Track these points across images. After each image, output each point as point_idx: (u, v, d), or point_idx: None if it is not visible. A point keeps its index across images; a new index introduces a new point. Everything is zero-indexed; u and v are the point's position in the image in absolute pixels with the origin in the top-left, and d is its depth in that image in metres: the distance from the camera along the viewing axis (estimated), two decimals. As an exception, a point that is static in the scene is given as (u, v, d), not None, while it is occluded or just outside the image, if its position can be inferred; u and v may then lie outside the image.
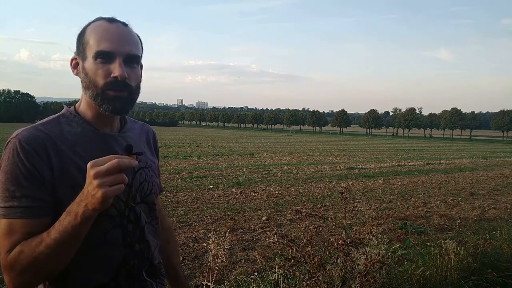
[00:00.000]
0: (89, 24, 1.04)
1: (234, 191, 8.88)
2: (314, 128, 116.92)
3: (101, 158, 0.85)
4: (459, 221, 5.02)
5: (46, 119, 1.05)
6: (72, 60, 1.07)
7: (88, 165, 0.85)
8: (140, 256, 1.10)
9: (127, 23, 1.06)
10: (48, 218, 0.93)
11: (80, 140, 1.01)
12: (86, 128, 1.04)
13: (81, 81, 1.04)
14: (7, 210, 0.90)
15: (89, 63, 1.00)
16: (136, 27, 1.08)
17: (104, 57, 0.99)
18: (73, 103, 1.16)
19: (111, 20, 1.03)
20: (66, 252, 0.90)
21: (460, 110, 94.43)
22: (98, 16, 1.06)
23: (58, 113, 1.07)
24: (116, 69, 0.98)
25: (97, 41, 0.99)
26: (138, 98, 1.08)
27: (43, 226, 0.91)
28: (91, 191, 0.84)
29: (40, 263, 0.88)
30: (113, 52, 0.99)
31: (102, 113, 1.02)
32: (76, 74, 1.06)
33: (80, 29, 1.05)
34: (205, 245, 4.34)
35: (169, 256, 1.36)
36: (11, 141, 0.94)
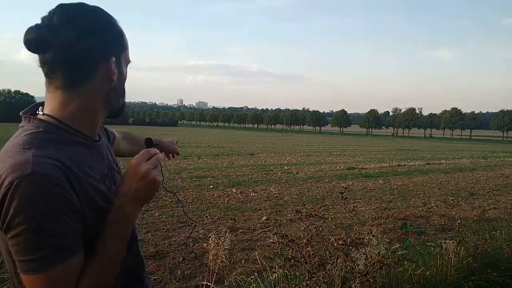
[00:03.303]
0: (116, 23, 0.94)
1: (234, 191, 8.88)
2: (314, 128, 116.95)
3: (139, 154, 0.90)
4: (459, 221, 5.02)
5: (32, 143, 0.83)
6: (111, 61, 0.91)
7: (135, 162, 0.88)
8: (136, 254, 1.10)
9: None
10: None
11: (83, 159, 0.91)
12: (84, 143, 0.93)
13: (111, 87, 0.94)
14: (59, 254, 0.79)
15: (125, 70, 0.98)
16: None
17: None
18: None
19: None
20: (123, 256, 0.92)
21: (460, 110, 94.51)
22: (108, 13, 0.94)
23: (38, 130, 0.86)
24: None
25: (128, 49, 0.99)
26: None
27: (83, 255, 0.85)
28: (143, 186, 0.87)
29: (108, 281, 0.88)
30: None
31: (102, 119, 0.98)
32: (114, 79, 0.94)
33: (117, 26, 0.94)
34: (205, 245, 4.33)
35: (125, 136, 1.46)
36: (25, 179, 0.75)
